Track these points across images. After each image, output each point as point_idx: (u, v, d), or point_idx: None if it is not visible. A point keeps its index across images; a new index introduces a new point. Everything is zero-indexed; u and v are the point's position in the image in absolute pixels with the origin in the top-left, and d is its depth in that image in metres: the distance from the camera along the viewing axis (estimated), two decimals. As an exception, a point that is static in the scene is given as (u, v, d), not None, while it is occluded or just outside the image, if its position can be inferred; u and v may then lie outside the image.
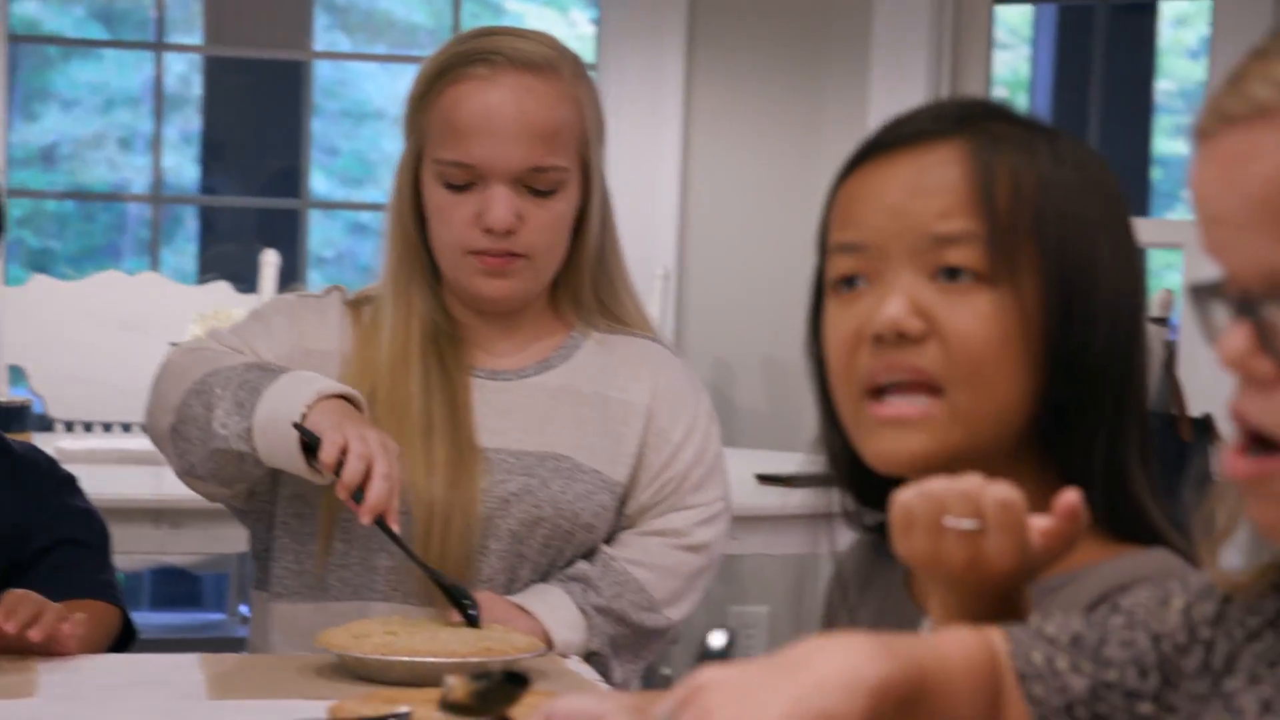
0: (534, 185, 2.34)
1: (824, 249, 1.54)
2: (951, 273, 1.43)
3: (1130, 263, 1.46)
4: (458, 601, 2.19)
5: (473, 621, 2.18)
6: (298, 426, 2.19)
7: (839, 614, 1.63)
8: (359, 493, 2.16)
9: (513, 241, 2.33)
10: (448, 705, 1.45)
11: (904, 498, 1.26)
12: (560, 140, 2.34)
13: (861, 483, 1.56)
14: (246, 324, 2.43)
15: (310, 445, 2.19)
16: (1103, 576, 1.39)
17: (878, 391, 1.44)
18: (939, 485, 1.24)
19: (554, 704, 1.47)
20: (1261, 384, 1.05)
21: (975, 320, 1.42)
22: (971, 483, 1.24)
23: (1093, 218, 1.46)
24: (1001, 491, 1.23)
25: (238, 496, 2.39)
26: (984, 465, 1.42)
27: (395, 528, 2.18)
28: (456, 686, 1.45)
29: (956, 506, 1.23)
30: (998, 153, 1.46)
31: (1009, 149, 1.46)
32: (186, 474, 2.34)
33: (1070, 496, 1.23)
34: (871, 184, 1.49)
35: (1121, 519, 1.44)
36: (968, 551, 1.23)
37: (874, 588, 1.60)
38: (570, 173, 2.36)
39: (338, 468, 2.16)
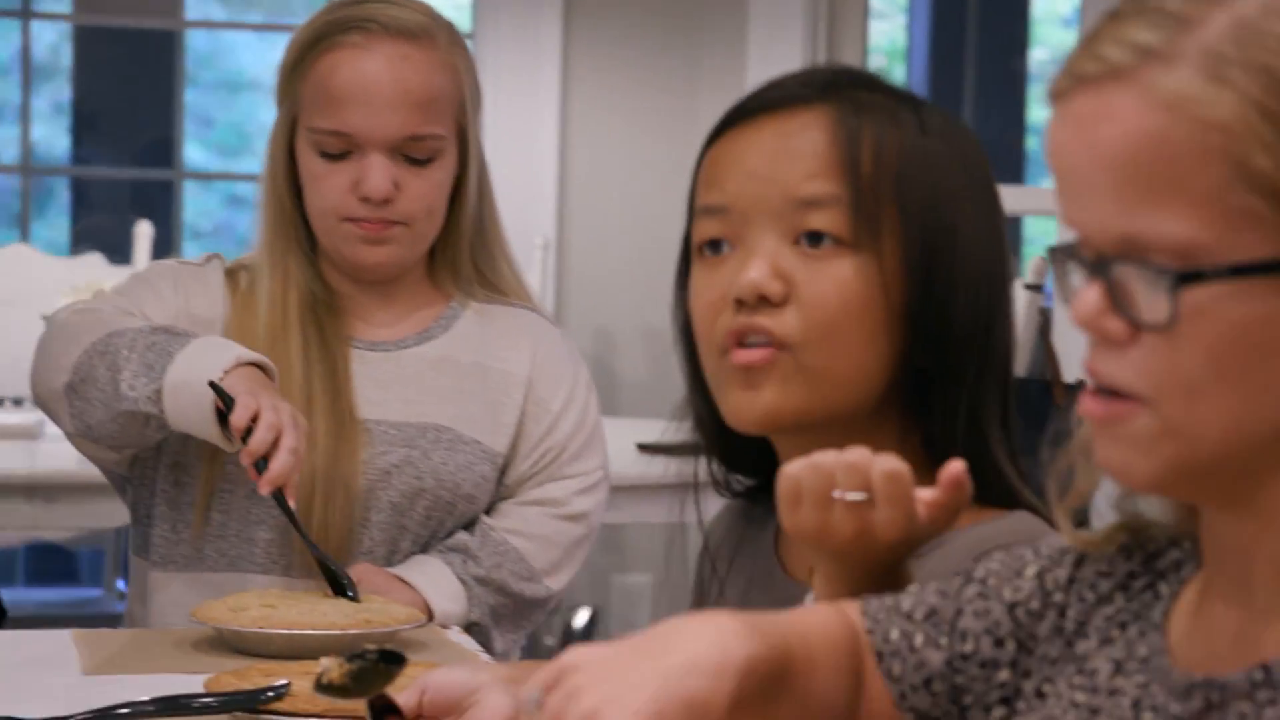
0: (411, 154, 2.32)
1: (692, 213, 1.55)
2: (814, 237, 1.45)
3: (993, 233, 1.48)
4: (339, 586, 2.17)
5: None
6: (214, 387, 2.16)
7: (709, 586, 1.64)
8: (263, 462, 2.13)
9: (390, 210, 2.32)
10: (323, 687, 1.44)
11: (792, 470, 1.26)
12: (437, 108, 2.33)
13: (729, 448, 1.57)
14: (132, 287, 2.40)
15: (223, 411, 2.16)
16: (968, 542, 1.40)
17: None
18: (827, 457, 1.25)
19: (429, 676, 1.47)
20: (1113, 343, 1.07)
21: (834, 285, 1.44)
22: (859, 455, 1.25)
23: (955, 188, 1.47)
24: (889, 464, 1.24)
25: (123, 463, 2.36)
26: (843, 428, 1.44)
27: (293, 503, 2.16)
28: (332, 668, 1.44)
29: (844, 479, 1.24)
30: (862, 119, 1.47)
31: (873, 116, 1.47)
32: (82, 435, 2.29)
33: (955, 466, 1.24)
34: (736, 148, 1.50)
35: (984, 484, 1.45)
36: (855, 523, 1.24)
37: (744, 555, 1.60)
38: (447, 141, 2.35)
39: (247, 435, 2.13)
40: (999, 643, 1.19)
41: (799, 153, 1.47)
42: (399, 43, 2.33)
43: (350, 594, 2.16)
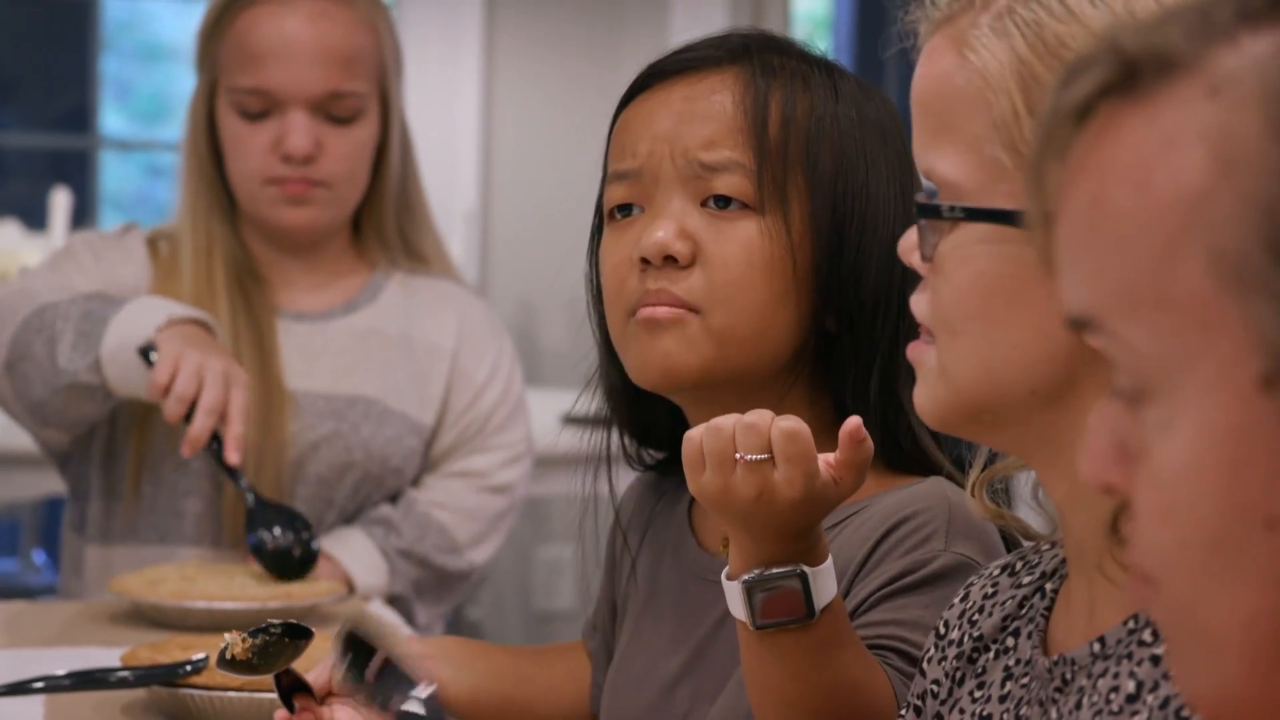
0: (333, 112, 2.30)
1: (605, 178, 1.54)
2: (720, 200, 1.45)
3: (908, 199, 1.47)
4: (298, 532, 2.14)
5: (309, 556, 2.13)
6: (143, 351, 2.13)
7: (620, 560, 1.63)
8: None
9: (312, 169, 2.30)
10: (226, 662, 1.42)
11: (693, 434, 1.27)
12: (358, 66, 2.31)
13: (640, 420, 1.56)
14: (56, 263, 2.36)
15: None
16: (885, 508, 1.41)
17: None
18: (727, 420, 1.26)
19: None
20: (923, 280, 1.12)
21: (739, 247, 1.43)
22: (758, 415, 1.25)
23: (868, 154, 1.47)
24: (787, 422, 1.25)
25: (65, 441, 2.32)
26: (752, 390, 1.43)
27: (235, 459, 2.11)
28: (235, 643, 1.42)
29: (744, 439, 1.24)
30: (771, 83, 1.47)
31: (784, 80, 1.47)
32: (29, 414, 2.25)
33: (852, 422, 1.24)
34: (645, 111, 1.50)
35: (899, 450, 1.45)
36: (757, 483, 1.23)
37: (655, 528, 1.60)
38: (369, 100, 2.33)
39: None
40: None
41: (706, 115, 1.47)
42: (318, 0, 2.31)
43: (308, 535, 2.12)
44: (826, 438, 1.38)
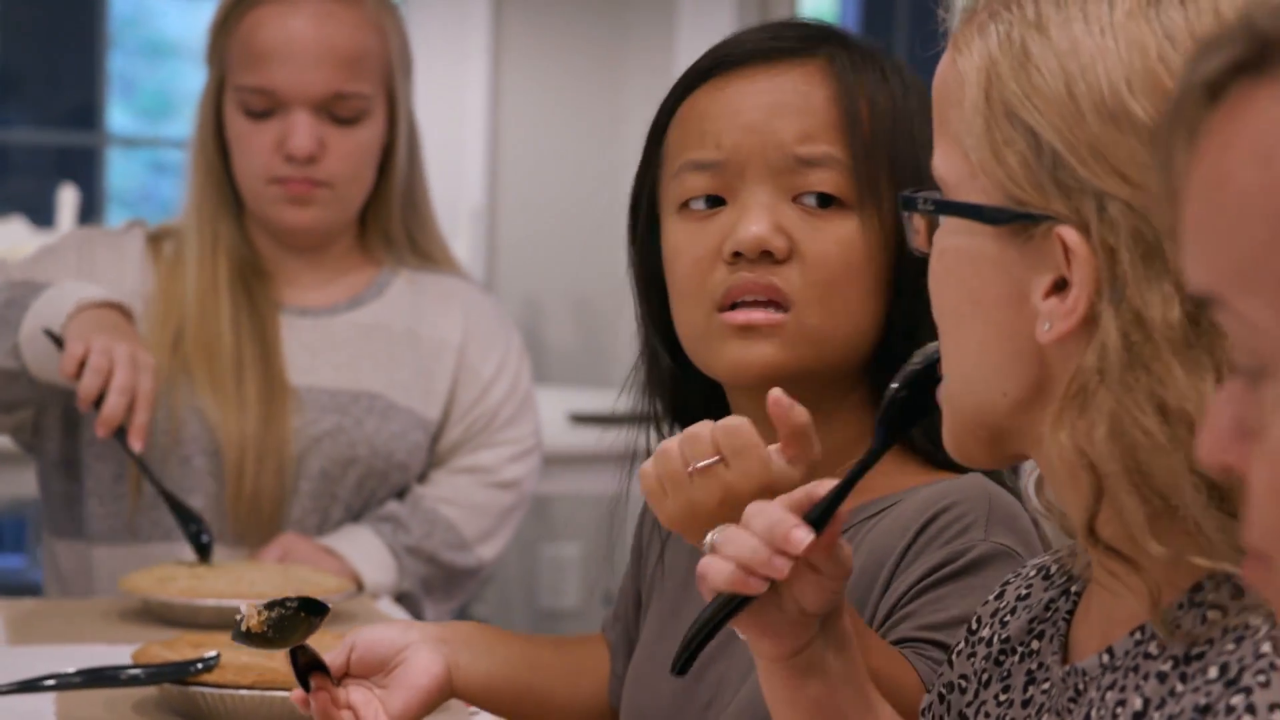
0: (336, 112, 2.31)
1: (653, 165, 1.51)
2: (814, 196, 1.43)
3: None
4: (190, 530, 2.14)
5: (203, 550, 2.13)
6: (49, 333, 2.13)
7: (647, 553, 1.63)
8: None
9: (315, 169, 2.30)
10: (241, 634, 1.42)
11: (645, 468, 1.27)
12: (363, 67, 2.32)
13: (682, 412, 1.55)
14: (37, 256, 2.36)
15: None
16: (923, 499, 1.41)
17: (730, 305, 1.45)
18: (669, 442, 1.26)
19: (358, 634, 1.46)
20: None
21: (836, 245, 1.43)
22: (697, 426, 1.26)
23: (928, 143, 1.47)
24: (724, 421, 1.25)
25: (23, 429, 2.33)
26: (827, 386, 1.43)
27: (138, 446, 2.10)
28: (251, 615, 1.42)
29: (690, 450, 1.25)
30: (857, 76, 1.46)
31: (866, 73, 1.46)
32: None
33: (773, 393, 1.24)
34: (726, 101, 1.47)
35: (938, 448, 1.45)
36: (715, 488, 1.24)
37: None
38: (374, 101, 2.33)
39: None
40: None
41: (799, 109, 1.45)
42: (325, 0, 2.31)
43: (201, 534, 2.12)
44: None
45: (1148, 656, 1.03)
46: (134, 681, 1.70)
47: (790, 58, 1.47)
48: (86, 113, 6.10)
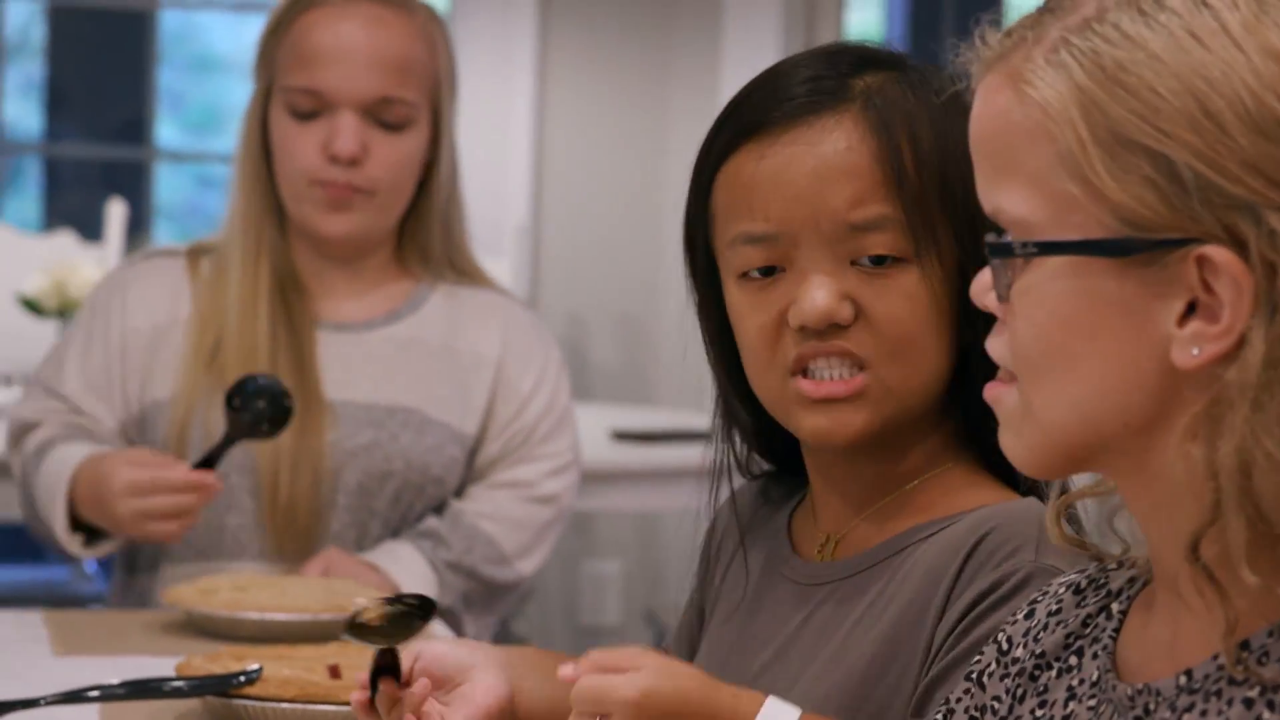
0: (382, 117, 2.33)
1: (703, 219, 1.49)
2: (873, 258, 1.42)
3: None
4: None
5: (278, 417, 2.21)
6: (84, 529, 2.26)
7: (712, 567, 1.63)
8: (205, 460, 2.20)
9: (357, 174, 2.32)
10: (355, 627, 1.43)
11: None
12: (411, 75, 2.34)
13: (758, 438, 1.56)
14: (70, 347, 2.41)
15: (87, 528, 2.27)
16: (971, 521, 1.40)
17: (803, 371, 1.44)
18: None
19: (425, 646, 1.47)
20: (1001, 322, 1.10)
21: (903, 301, 1.42)
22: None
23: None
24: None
25: None
26: (906, 431, 1.44)
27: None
28: (369, 609, 1.43)
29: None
30: (894, 122, 1.43)
31: (902, 115, 1.44)
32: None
33: (563, 670, 1.25)
34: (770, 170, 1.44)
35: (1005, 468, 1.44)
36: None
37: (754, 533, 1.60)
38: (419, 111, 2.35)
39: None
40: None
41: (843, 173, 1.42)
42: (376, 6, 2.34)
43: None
44: (954, 454, 1.45)
45: (1232, 682, 1.02)
46: (177, 693, 1.72)
47: (821, 113, 1.44)
48: (135, 127, 6.14)
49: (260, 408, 2.16)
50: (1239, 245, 1.00)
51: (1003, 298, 1.09)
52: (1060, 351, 1.06)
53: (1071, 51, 1.04)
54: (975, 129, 1.10)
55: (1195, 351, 1.01)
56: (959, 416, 1.46)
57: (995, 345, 1.11)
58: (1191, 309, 1.02)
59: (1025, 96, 1.06)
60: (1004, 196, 1.07)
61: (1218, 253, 1.00)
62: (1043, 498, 1.43)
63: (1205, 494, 1.01)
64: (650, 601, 4.69)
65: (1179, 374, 1.03)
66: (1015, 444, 1.10)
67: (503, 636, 4.59)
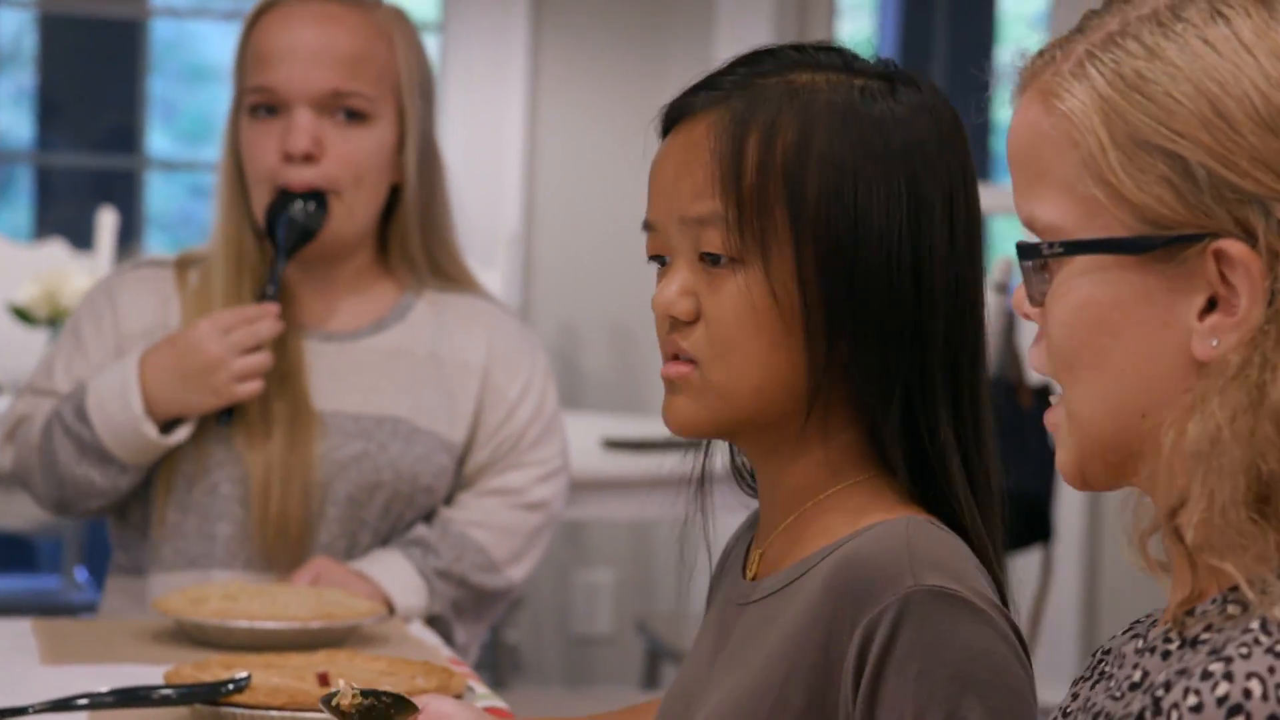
0: (339, 109, 2.32)
1: None
2: (709, 255, 1.42)
3: (922, 216, 1.41)
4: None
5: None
6: (221, 416, 2.30)
7: (713, 593, 1.62)
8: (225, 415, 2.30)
9: (315, 171, 2.32)
10: (330, 707, 1.43)
11: None
12: (365, 68, 2.34)
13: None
14: (61, 351, 2.42)
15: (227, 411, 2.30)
16: (841, 553, 1.38)
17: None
18: None
19: (429, 704, 1.46)
20: (1039, 331, 1.16)
21: (729, 302, 1.40)
22: None
23: (860, 174, 1.40)
24: None
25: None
26: (774, 438, 1.43)
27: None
28: (346, 694, 1.43)
29: None
30: (753, 117, 1.42)
31: (768, 112, 1.42)
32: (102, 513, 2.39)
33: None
34: (655, 160, 1.49)
35: (925, 476, 1.43)
36: None
37: (733, 558, 1.59)
38: (378, 105, 2.35)
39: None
40: None
41: (691, 167, 1.43)
42: (329, 4, 2.36)
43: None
44: (858, 468, 1.41)
45: (1166, 640, 1.09)
46: (166, 701, 1.72)
47: (700, 110, 1.46)
48: (126, 136, 6.14)
49: (297, 218, 2.30)
50: (1250, 238, 1.05)
51: (1035, 301, 1.14)
52: (1089, 348, 1.11)
53: (1095, 64, 1.11)
54: (1010, 143, 1.16)
55: (1214, 343, 1.06)
56: (864, 431, 1.43)
57: (1035, 354, 1.16)
58: (1213, 305, 1.07)
59: (1053, 108, 1.12)
60: (1036, 205, 1.13)
61: (1232, 245, 1.06)
62: (943, 514, 1.41)
63: (1192, 468, 1.05)
64: (642, 610, 4.68)
65: (1197, 368, 1.07)
66: (1062, 456, 1.15)
67: (494, 646, 4.59)
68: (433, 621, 2.32)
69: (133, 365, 2.27)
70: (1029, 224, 1.14)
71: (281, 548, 2.30)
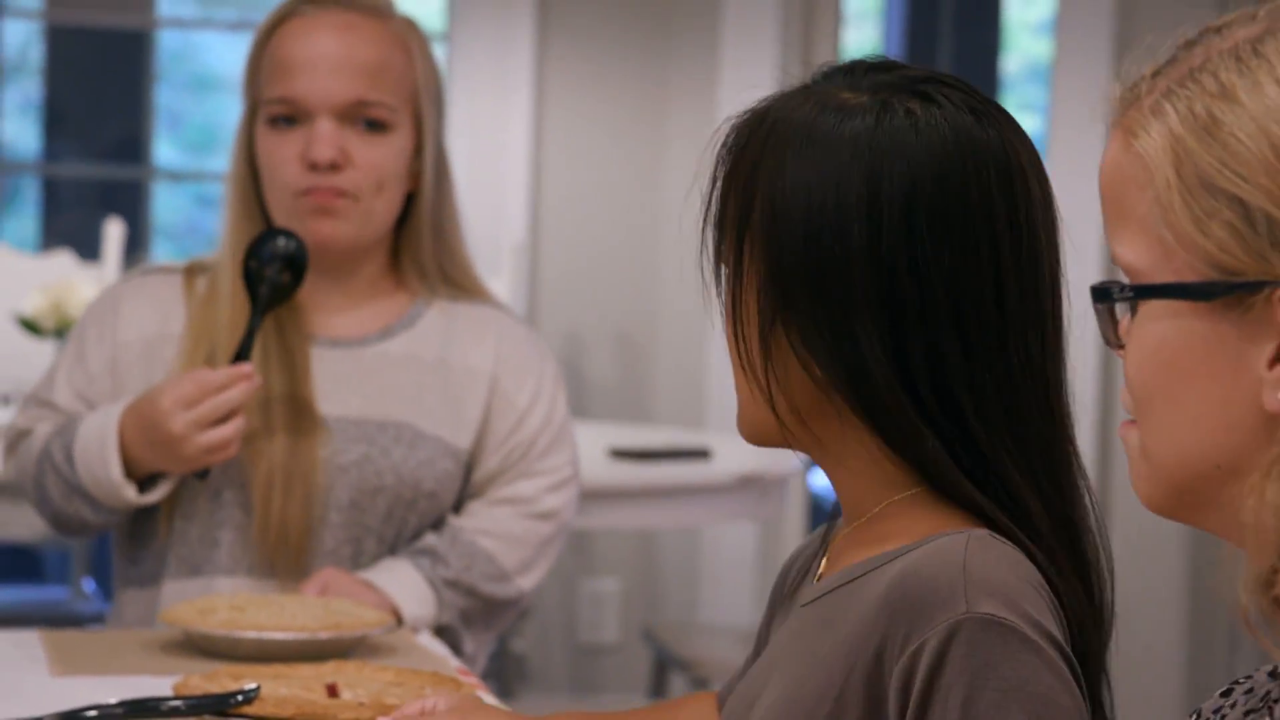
0: (359, 121, 2.33)
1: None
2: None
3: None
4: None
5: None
6: (199, 476, 2.28)
7: (775, 604, 1.61)
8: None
9: (339, 178, 2.32)
10: None
11: None
12: (386, 78, 2.35)
13: None
14: (64, 360, 2.42)
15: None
16: (897, 567, 1.38)
17: None
18: None
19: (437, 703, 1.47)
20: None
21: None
22: None
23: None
24: None
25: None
26: (819, 443, 1.45)
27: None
28: None
29: None
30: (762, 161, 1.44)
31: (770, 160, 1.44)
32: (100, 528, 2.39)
33: None
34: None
35: (991, 491, 1.42)
36: None
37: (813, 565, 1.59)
38: (399, 115, 2.35)
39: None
40: None
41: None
42: (349, 14, 2.36)
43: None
44: (917, 479, 1.42)
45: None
46: (175, 713, 1.72)
47: None
48: (133, 146, 6.14)
49: (276, 270, 2.29)
50: None
51: (1108, 341, 1.13)
52: (1162, 392, 1.09)
53: (1173, 101, 1.08)
54: (1100, 180, 1.13)
55: None
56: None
57: (1125, 394, 1.13)
58: None
59: (1131, 147, 1.09)
60: (1119, 244, 1.11)
61: None
62: (1000, 529, 1.40)
63: (1272, 533, 1.02)
64: (649, 619, 4.68)
65: (1271, 420, 1.04)
66: (1137, 482, 1.13)
67: (501, 655, 4.59)
68: (441, 631, 2.32)
69: (113, 425, 2.26)
70: (1116, 263, 1.11)
71: (284, 553, 2.30)
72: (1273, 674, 1.14)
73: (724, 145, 1.46)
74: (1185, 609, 4.58)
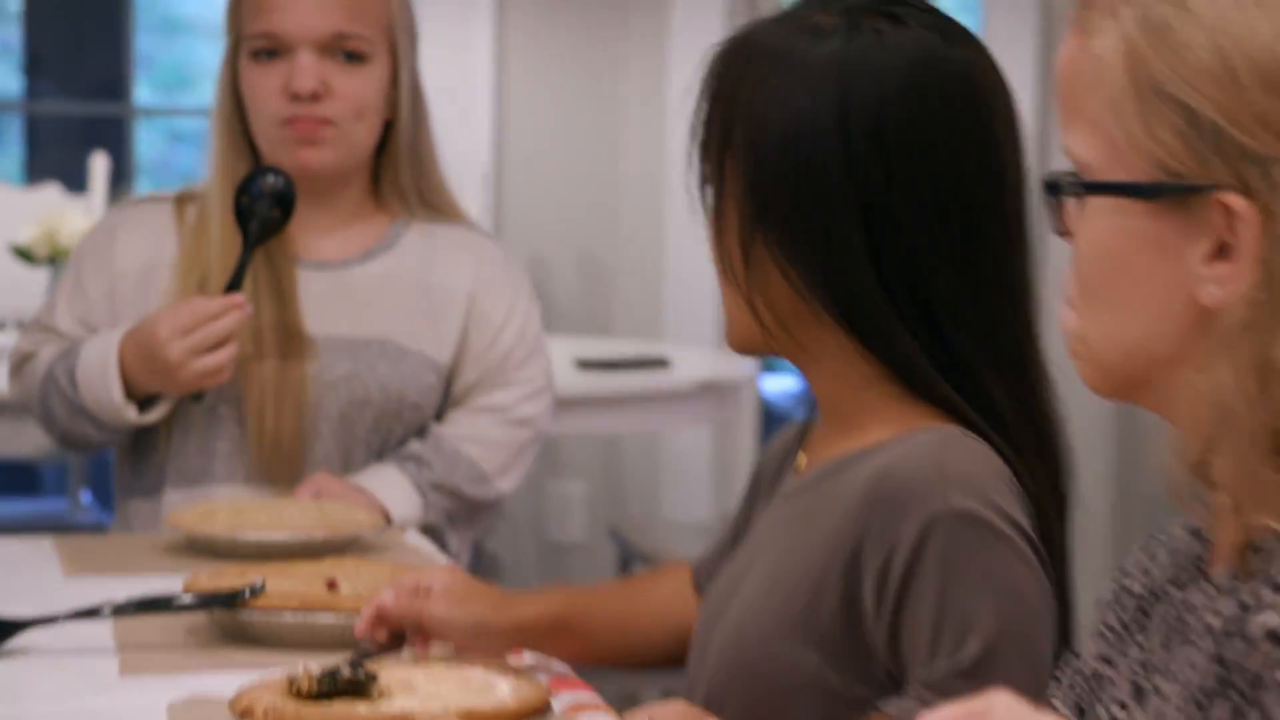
0: (339, 52, 2.32)
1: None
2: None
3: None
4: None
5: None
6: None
7: (754, 493, 1.62)
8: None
9: (320, 107, 2.32)
10: (292, 692, 1.40)
11: None
12: (363, 11, 2.34)
13: None
14: (64, 288, 2.41)
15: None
16: (874, 465, 1.39)
17: None
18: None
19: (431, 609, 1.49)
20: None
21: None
22: None
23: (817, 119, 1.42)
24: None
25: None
26: (794, 347, 1.46)
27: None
28: (303, 680, 1.39)
29: None
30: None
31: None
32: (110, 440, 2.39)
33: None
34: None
35: (962, 389, 1.43)
36: None
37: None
38: (376, 47, 2.35)
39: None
40: None
41: None
42: None
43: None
44: (893, 378, 1.42)
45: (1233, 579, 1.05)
46: (186, 608, 1.72)
47: None
48: (114, 86, 6.09)
49: (266, 206, 2.28)
50: (1249, 194, 1.02)
51: (1058, 232, 1.12)
52: (1104, 285, 1.09)
53: (1128, 6, 1.07)
54: (1057, 75, 1.12)
55: (1219, 291, 1.04)
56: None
57: (1067, 277, 1.13)
58: (1223, 253, 1.04)
59: (1086, 47, 1.09)
60: (1072, 139, 1.10)
61: (1235, 200, 1.02)
62: (971, 425, 1.41)
63: (1207, 419, 1.03)
64: (613, 518, 4.70)
65: (1205, 313, 1.05)
66: (1079, 368, 1.13)
67: (475, 554, 4.60)
68: (427, 531, 2.33)
69: (113, 351, 2.26)
70: (1068, 155, 1.11)
71: (277, 463, 2.31)
72: (1195, 534, 1.16)
73: (709, 70, 1.46)
74: (1113, 490, 4.63)
